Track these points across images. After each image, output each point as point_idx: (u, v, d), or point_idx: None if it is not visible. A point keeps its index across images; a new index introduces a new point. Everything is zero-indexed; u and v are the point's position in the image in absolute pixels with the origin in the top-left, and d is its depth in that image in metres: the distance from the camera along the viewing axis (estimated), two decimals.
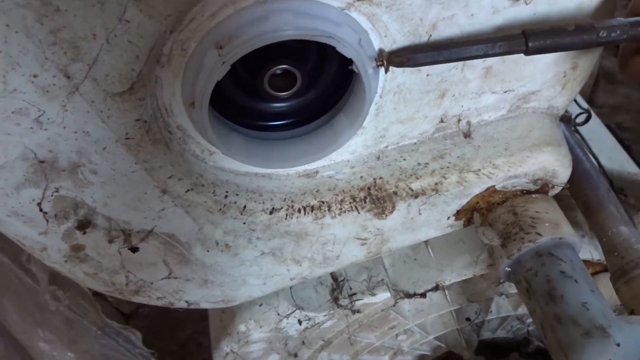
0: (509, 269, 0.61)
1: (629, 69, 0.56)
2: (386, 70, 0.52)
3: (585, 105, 1.03)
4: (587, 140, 0.99)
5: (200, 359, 1.60)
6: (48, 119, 0.45)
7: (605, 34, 0.48)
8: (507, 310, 0.97)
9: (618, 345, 0.51)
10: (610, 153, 1.04)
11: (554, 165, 0.63)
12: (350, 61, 0.51)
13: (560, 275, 0.56)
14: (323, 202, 0.61)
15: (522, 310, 0.96)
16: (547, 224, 0.59)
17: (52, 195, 0.52)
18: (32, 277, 1.05)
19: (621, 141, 1.13)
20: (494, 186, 0.63)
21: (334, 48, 0.48)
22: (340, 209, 0.61)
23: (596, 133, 1.07)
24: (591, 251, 0.81)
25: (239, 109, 0.58)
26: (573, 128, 0.94)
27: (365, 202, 0.61)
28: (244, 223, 0.60)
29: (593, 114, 1.00)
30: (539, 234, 0.58)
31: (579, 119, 0.96)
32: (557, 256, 0.57)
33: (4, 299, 1.02)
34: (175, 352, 1.61)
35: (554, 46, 0.50)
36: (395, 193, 0.61)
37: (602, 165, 0.95)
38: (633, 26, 0.49)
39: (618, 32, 0.48)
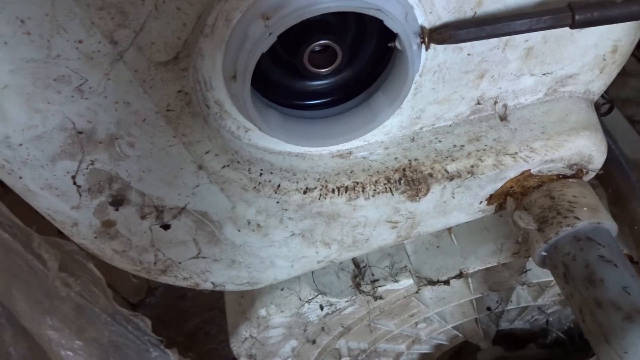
0: (544, 254, 0.60)
1: None
2: (427, 48, 0.51)
3: (606, 95, 1.03)
4: (610, 130, 0.99)
5: (207, 349, 1.59)
6: (90, 87, 0.44)
7: None
8: (526, 301, 0.96)
9: None
10: (630, 144, 1.03)
11: (591, 149, 0.62)
12: (390, 38, 0.50)
13: (599, 259, 0.55)
14: (357, 183, 0.60)
15: (542, 300, 0.95)
16: (585, 209, 0.58)
17: (87, 168, 0.51)
18: (42, 263, 1.04)
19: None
20: (529, 170, 0.62)
21: (374, 23, 0.47)
22: (375, 190, 0.60)
23: (617, 124, 1.06)
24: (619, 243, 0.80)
25: (277, 87, 0.57)
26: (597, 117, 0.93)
27: (399, 184, 0.60)
28: (277, 202, 0.59)
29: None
30: (578, 218, 0.57)
31: (602, 109, 0.96)
32: (596, 240, 0.57)
33: (13, 287, 1.01)
34: (182, 342, 1.60)
35: (601, 19, 0.48)
36: (430, 175, 0.61)
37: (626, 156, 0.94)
38: None
39: None
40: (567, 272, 0.57)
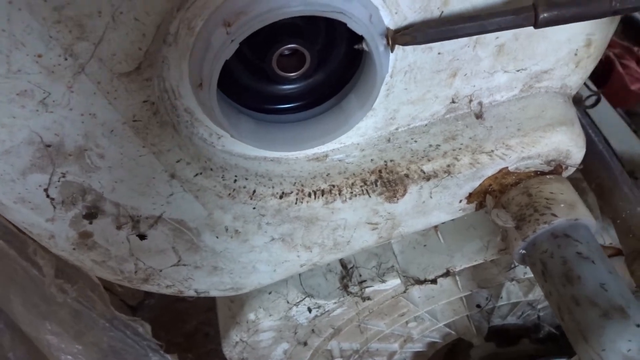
0: (523, 252, 0.60)
1: None
2: (392, 50, 0.51)
3: (594, 87, 1.02)
4: (596, 123, 0.98)
5: (207, 350, 1.60)
6: (54, 100, 0.44)
7: (619, 3, 0.46)
8: (517, 296, 0.96)
9: (638, 326, 0.50)
10: (619, 136, 1.03)
11: (568, 145, 0.62)
12: (356, 40, 0.50)
13: (576, 256, 0.55)
14: (334, 186, 0.60)
15: (533, 296, 0.95)
16: (562, 205, 0.58)
17: (58, 181, 0.51)
18: (38, 269, 1.04)
19: (629, 125, 1.11)
20: (507, 167, 0.62)
21: (343, 26, 0.47)
22: (351, 192, 0.60)
23: (605, 116, 1.06)
24: (602, 235, 0.80)
25: (247, 92, 0.57)
26: (583, 110, 0.93)
27: (376, 186, 0.60)
28: (254, 208, 0.59)
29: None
30: (555, 215, 0.57)
31: (588, 102, 0.95)
32: (573, 237, 0.56)
33: (10, 292, 1.01)
34: (181, 344, 1.61)
35: (564, 18, 0.48)
36: (406, 176, 0.60)
37: (613, 148, 0.94)
38: None
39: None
40: (545, 269, 0.56)
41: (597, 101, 0.95)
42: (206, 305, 1.61)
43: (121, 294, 1.61)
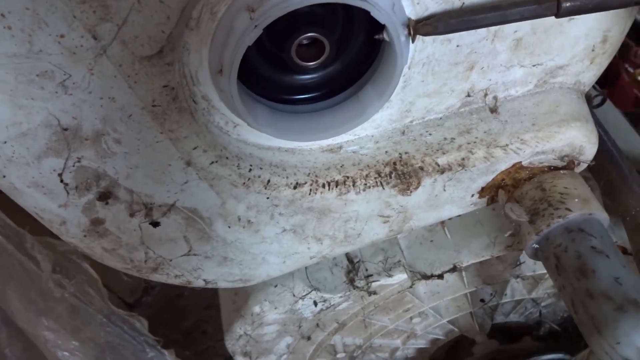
0: (536, 246, 0.60)
1: None
2: (413, 40, 0.51)
3: (598, 88, 1.02)
4: (602, 122, 0.99)
5: (205, 347, 1.59)
6: (74, 83, 0.44)
7: None
8: (521, 294, 0.96)
9: None
10: (624, 136, 1.03)
11: (582, 141, 0.62)
12: (376, 30, 0.50)
13: (591, 250, 0.55)
14: (348, 177, 0.60)
15: (537, 293, 0.95)
16: (576, 200, 0.58)
17: (73, 166, 0.50)
18: (36, 264, 1.03)
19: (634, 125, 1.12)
20: (520, 162, 0.62)
21: (362, 15, 0.47)
22: (365, 184, 0.60)
23: (610, 116, 1.06)
24: (610, 233, 0.80)
25: (264, 81, 0.56)
26: (590, 109, 0.93)
27: (390, 178, 0.60)
28: (268, 198, 0.58)
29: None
30: (569, 210, 0.57)
31: (595, 101, 0.95)
32: (588, 232, 0.56)
33: (7, 288, 1.00)
34: (179, 341, 1.60)
35: (587, 7, 0.48)
36: (421, 168, 0.60)
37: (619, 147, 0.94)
38: None
39: None
40: (559, 263, 0.57)
41: (603, 101, 0.96)
42: (205, 303, 1.60)
43: (118, 291, 1.60)
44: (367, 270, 0.82)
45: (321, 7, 0.51)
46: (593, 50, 0.61)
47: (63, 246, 1.07)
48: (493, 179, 0.64)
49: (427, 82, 0.57)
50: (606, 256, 0.55)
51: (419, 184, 0.61)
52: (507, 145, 0.61)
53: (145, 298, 1.69)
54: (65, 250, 1.07)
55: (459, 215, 0.73)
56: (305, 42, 0.52)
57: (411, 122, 0.62)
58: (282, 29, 0.50)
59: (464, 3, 0.51)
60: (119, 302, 1.60)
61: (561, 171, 0.62)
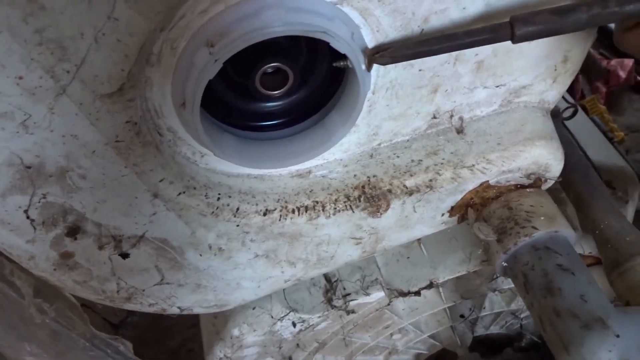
0: (505, 264, 0.61)
1: (625, 43, 0.54)
2: (368, 69, 0.51)
3: (571, 99, 1.04)
4: (574, 134, 1.00)
5: None
6: (34, 122, 0.44)
7: (591, 16, 0.47)
8: (500, 306, 0.97)
9: (617, 336, 0.51)
10: (596, 147, 1.05)
11: (547, 158, 0.63)
12: (335, 58, 0.50)
13: (557, 268, 0.56)
14: (317, 202, 0.60)
15: (515, 305, 0.96)
16: (542, 218, 0.59)
17: (39, 202, 0.50)
18: (16, 290, 1.02)
19: (605, 134, 1.14)
20: (487, 181, 0.63)
21: (324, 45, 0.47)
22: (335, 208, 0.60)
23: (582, 127, 1.08)
24: (582, 245, 0.81)
25: (230, 110, 0.57)
26: (561, 122, 0.94)
27: (359, 201, 0.61)
28: (238, 225, 0.59)
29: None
30: (535, 228, 0.58)
31: (566, 114, 0.97)
32: (554, 249, 0.57)
33: None
34: None
35: (542, 32, 0.48)
36: (389, 191, 0.61)
37: (590, 159, 0.95)
38: (621, 4, 0.47)
39: (607, 10, 0.47)
40: (526, 281, 0.57)
41: (575, 113, 0.97)
42: (190, 322, 1.59)
43: (103, 312, 1.58)
44: (344, 289, 0.83)
45: (284, 38, 0.52)
46: (555, 70, 0.62)
47: None
48: (462, 199, 0.64)
49: (392, 105, 0.58)
50: (572, 273, 0.55)
51: (388, 206, 0.61)
52: (473, 165, 0.61)
53: (130, 318, 1.67)
54: None
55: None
56: (269, 70, 0.52)
57: (379, 145, 0.62)
58: (246, 59, 0.50)
59: (422, 30, 0.51)
60: (103, 323, 1.59)
61: (527, 189, 0.63)
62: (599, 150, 1.04)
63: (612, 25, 0.55)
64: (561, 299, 0.54)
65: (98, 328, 1.12)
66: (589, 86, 1.91)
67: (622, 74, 1.88)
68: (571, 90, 1.44)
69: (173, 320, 1.64)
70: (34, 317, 1.06)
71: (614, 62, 1.92)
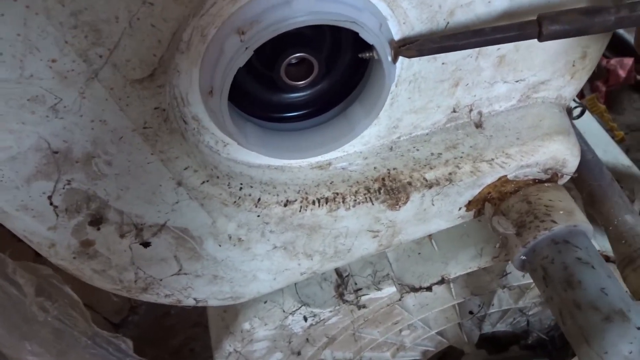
0: (524, 258, 0.61)
1: None
2: (394, 61, 0.51)
3: (576, 98, 1.05)
4: (582, 133, 1.01)
5: None
6: (65, 106, 0.44)
7: (621, 16, 0.48)
8: (508, 304, 0.97)
9: (638, 328, 0.51)
10: (603, 146, 1.06)
11: (565, 154, 0.63)
12: (361, 49, 0.51)
13: (577, 261, 0.56)
14: (337, 194, 0.60)
15: (523, 303, 0.96)
16: (561, 212, 0.59)
17: (63, 188, 0.50)
18: (18, 288, 1.02)
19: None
20: (506, 176, 0.63)
21: (348, 36, 0.48)
22: (355, 200, 0.61)
23: (589, 127, 1.09)
24: (593, 242, 0.82)
25: (254, 100, 0.57)
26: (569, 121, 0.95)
27: (379, 193, 0.61)
28: (258, 216, 0.59)
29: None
30: (554, 222, 0.58)
31: (575, 113, 0.98)
32: (573, 243, 0.58)
33: None
34: (167, 359, 1.58)
35: (568, 31, 0.49)
36: (409, 184, 0.61)
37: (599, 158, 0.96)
38: None
39: (635, 14, 0.48)
40: (546, 275, 0.58)
41: (583, 112, 0.98)
42: (192, 321, 1.59)
43: (104, 311, 1.58)
44: (356, 284, 0.83)
45: (309, 28, 0.52)
46: (573, 66, 0.62)
47: (45, 270, 1.05)
48: (480, 193, 0.65)
49: (413, 99, 0.59)
50: (592, 267, 0.56)
51: (407, 199, 0.61)
52: (492, 159, 0.62)
53: (131, 317, 1.67)
54: (47, 274, 1.06)
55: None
56: (294, 61, 0.52)
57: (399, 138, 0.63)
58: (271, 49, 0.50)
59: (448, 23, 0.52)
60: (105, 323, 1.58)
61: (545, 184, 0.63)
62: (605, 150, 1.05)
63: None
64: (582, 291, 0.54)
65: (99, 328, 1.12)
66: (589, 85, 1.93)
67: (622, 73, 1.90)
68: None
69: (175, 319, 1.63)
70: (37, 316, 1.05)
71: (613, 61, 1.93)
